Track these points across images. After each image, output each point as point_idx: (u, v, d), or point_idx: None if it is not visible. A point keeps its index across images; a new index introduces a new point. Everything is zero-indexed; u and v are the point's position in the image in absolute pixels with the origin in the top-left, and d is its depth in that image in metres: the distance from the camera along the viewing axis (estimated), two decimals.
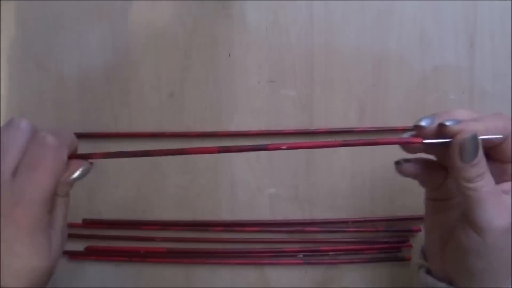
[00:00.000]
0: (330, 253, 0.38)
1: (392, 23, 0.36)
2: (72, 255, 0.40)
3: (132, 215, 0.39)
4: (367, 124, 0.37)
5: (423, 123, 0.27)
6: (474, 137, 0.26)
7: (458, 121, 0.27)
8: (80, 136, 0.38)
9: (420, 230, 0.37)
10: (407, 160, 0.30)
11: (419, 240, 0.38)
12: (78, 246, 0.40)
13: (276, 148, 0.27)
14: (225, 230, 0.39)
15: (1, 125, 0.27)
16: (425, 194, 0.32)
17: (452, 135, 0.26)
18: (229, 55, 0.37)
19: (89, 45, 0.37)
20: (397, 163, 0.30)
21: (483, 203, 0.26)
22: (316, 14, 0.36)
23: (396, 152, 0.38)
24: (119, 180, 0.39)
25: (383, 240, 0.38)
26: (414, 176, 0.30)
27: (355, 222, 0.38)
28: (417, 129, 0.28)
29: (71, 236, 0.39)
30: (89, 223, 0.39)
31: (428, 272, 0.31)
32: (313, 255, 0.38)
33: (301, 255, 0.39)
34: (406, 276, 0.38)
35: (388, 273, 0.39)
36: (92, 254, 0.40)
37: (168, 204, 0.39)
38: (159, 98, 0.38)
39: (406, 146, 0.28)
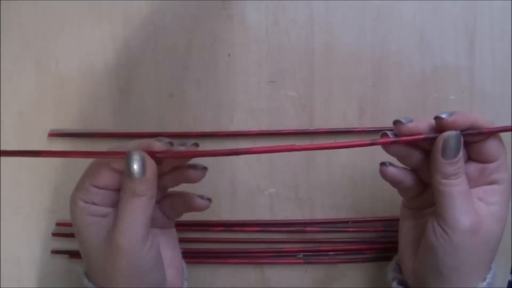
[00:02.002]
0: (330, 253, 0.38)
1: (392, 23, 0.36)
2: (72, 255, 0.39)
3: None
4: (367, 124, 0.37)
5: (403, 120, 0.29)
6: (458, 135, 0.27)
7: (452, 113, 0.28)
8: (80, 136, 0.38)
9: None
10: (392, 164, 0.31)
11: None
12: None
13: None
14: (225, 230, 0.39)
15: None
16: (402, 202, 0.33)
17: (445, 127, 0.28)
18: (229, 55, 0.37)
19: (89, 45, 0.37)
20: (383, 164, 0.31)
21: (453, 201, 0.27)
22: (316, 14, 0.36)
23: None
24: None
25: (383, 240, 0.38)
26: (394, 182, 0.31)
27: (355, 222, 0.38)
28: (397, 125, 0.29)
29: (71, 236, 0.39)
30: None
31: (401, 283, 0.32)
32: (313, 255, 0.39)
33: (301, 255, 0.39)
34: None
35: None
36: None
37: None
38: (159, 98, 0.38)
39: (386, 146, 0.30)
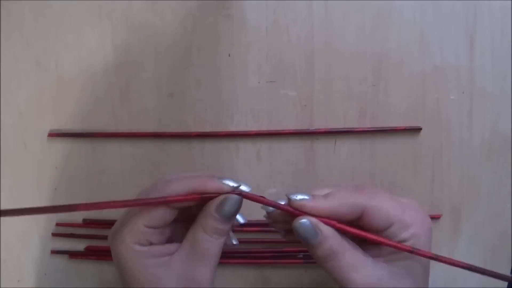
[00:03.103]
0: None
1: (392, 23, 0.36)
2: (72, 255, 0.40)
3: None
4: (367, 124, 0.37)
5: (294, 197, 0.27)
6: (303, 223, 0.27)
7: (306, 198, 0.27)
8: (80, 136, 0.38)
9: None
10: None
11: None
12: (78, 246, 0.40)
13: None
14: None
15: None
16: None
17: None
18: (229, 55, 0.37)
19: (89, 45, 0.37)
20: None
21: (338, 280, 0.27)
22: (316, 14, 0.36)
23: (397, 152, 0.38)
24: (119, 180, 0.39)
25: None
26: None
27: None
28: (289, 203, 0.28)
29: (70, 236, 0.39)
30: (89, 223, 0.39)
31: None
32: None
33: (301, 255, 0.39)
34: None
35: None
36: (92, 254, 0.40)
37: None
38: (159, 98, 0.38)
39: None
